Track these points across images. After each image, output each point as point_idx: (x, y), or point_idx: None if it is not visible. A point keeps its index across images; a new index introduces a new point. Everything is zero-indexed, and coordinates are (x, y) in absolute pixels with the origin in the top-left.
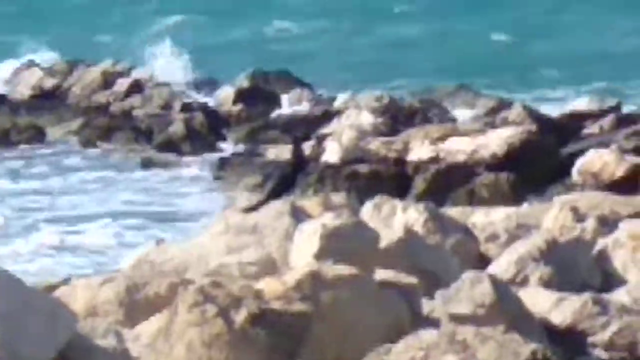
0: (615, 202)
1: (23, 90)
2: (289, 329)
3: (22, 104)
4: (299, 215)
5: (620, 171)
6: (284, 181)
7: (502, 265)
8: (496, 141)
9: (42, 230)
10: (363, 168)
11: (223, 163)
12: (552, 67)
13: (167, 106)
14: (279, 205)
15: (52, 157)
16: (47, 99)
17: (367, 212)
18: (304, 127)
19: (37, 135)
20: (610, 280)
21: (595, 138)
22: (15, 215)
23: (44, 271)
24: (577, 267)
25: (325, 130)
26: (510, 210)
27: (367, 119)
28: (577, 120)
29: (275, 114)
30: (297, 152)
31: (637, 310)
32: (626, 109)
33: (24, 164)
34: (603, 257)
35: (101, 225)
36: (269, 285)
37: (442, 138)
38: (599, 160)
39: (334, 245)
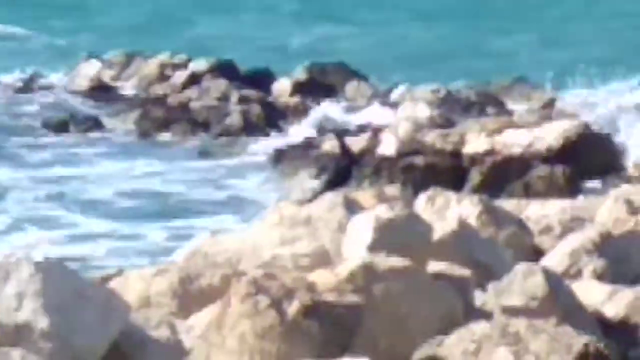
0: None
1: (81, 83)
2: (342, 321)
3: (80, 95)
4: (352, 208)
5: None
6: (339, 173)
7: (556, 258)
8: (552, 134)
9: None
10: (419, 160)
11: (279, 154)
12: None
13: (224, 98)
14: (333, 197)
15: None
16: (105, 92)
17: (421, 204)
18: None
19: (95, 127)
20: None
21: None
22: None
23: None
24: (631, 260)
25: (382, 122)
26: (565, 203)
27: (423, 111)
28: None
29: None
30: (342, 146)
31: None
32: None
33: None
34: None
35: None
36: (321, 277)
37: (498, 130)
38: None
39: (387, 237)
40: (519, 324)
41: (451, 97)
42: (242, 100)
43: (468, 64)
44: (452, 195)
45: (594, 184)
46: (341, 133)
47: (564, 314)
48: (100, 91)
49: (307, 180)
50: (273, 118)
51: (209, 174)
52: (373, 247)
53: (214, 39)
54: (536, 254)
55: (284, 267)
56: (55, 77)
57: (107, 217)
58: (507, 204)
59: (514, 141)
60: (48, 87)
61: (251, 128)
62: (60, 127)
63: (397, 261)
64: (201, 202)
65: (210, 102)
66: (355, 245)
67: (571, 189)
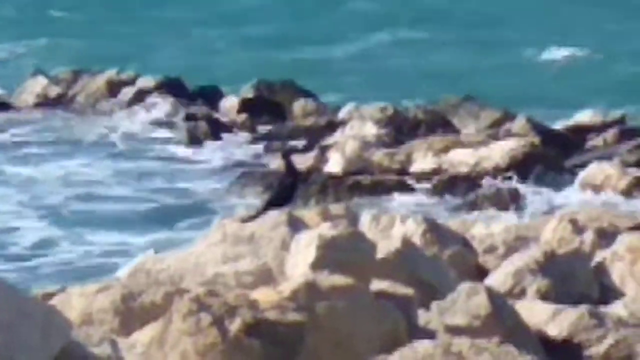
0: (615, 215)
1: (28, 99)
2: (284, 339)
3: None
4: (297, 226)
5: (622, 184)
6: (283, 192)
7: (500, 277)
8: (499, 153)
9: None
10: (365, 179)
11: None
12: None
13: (171, 115)
14: (276, 215)
15: None
16: (52, 107)
17: (366, 222)
18: (307, 138)
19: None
20: (607, 293)
21: (598, 151)
22: None
23: None
24: (575, 279)
25: (329, 140)
26: (510, 222)
27: (370, 130)
28: (580, 133)
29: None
30: (288, 165)
31: (634, 323)
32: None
33: None
34: (601, 270)
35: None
36: (264, 295)
37: (445, 150)
38: (601, 173)
39: (330, 255)
40: (462, 343)
41: (399, 115)
42: (189, 117)
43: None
44: (396, 214)
45: (539, 203)
46: (288, 151)
47: (507, 333)
48: (47, 107)
49: (253, 198)
50: (220, 135)
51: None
52: (316, 265)
53: None
54: (480, 273)
55: (227, 284)
56: None
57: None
58: (452, 223)
59: (461, 160)
60: None
61: (198, 145)
62: None
63: (340, 279)
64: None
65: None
66: (299, 263)
67: (516, 207)
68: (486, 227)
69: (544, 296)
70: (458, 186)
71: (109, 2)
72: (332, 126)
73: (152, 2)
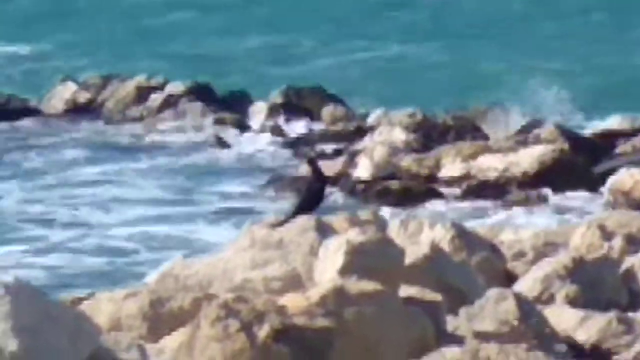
0: None
1: (57, 105)
2: (312, 345)
3: (56, 117)
4: (325, 231)
5: None
6: (312, 197)
7: (528, 283)
8: (528, 159)
9: None
10: (394, 184)
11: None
12: None
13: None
14: (305, 221)
15: None
16: (81, 113)
17: (394, 228)
18: (336, 143)
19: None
20: (636, 299)
21: (627, 157)
22: None
23: None
24: (604, 285)
25: (357, 146)
26: (539, 228)
27: (399, 136)
28: (609, 138)
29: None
30: (315, 170)
31: None
32: None
33: None
34: (630, 276)
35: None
36: (292, 301)
37: (474, 155)
38: (630, 179)
39: (358, 261)
40: (491, 349)
41: (427, 121)
42: (218, 122)
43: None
44: (425, 219)
45: (568, 208)
46: (313, 156)
47: (536, 339)
48: (76, 113)
49: (281, 203)
50: (248, 140)
51: None
52: (344, 271)
53: None
54: (509, 279)
55: (255, 290)
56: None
57: None
58: (480, 229)
59: (490, 166)
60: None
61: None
62: None
63: (368, 285)
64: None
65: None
66: (327, 269)
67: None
68: (515, 233)
69: (573, 302)
70: (487, 192)
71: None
72: (361, 132)
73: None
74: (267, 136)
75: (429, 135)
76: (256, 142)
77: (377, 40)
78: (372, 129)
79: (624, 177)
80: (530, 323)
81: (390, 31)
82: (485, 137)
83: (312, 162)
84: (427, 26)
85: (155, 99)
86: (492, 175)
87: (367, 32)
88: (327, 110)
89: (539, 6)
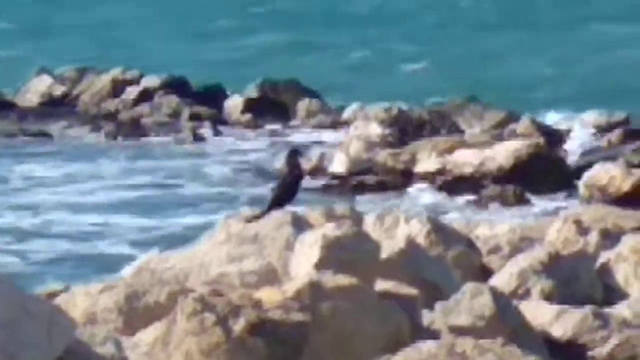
0: (619, 216)
1: (32, 98)
2: (288, 339)
3: (31, 111)
4: (301, 226)
5: (626, 185)
6: (286, 191)
7: (504, 278)
8: (503, 154)
9: None
10: (370, 179)
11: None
12: None
13: (175, 114)
14: (280, 215)
15: None
16: (56, 106)
17: (370, 223)
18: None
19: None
20: (612, 294)
21: (603, 152)
22: None
23: None
24: (579, 280)
25: (333, 140)
26: (514, 223)
27: (375, 130)
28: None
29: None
30: (294, 164)
31: (638, 324)
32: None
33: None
34: (605, 271)
35: None
36: (268, 295)
37: (450, 150)
38: (606, 174)
39: (334, 255)
40: (466, 344)
41: (403, 116)
42: (194, 116)
43: None
44: (400, 214)
45: (544, 203)
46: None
47: (511, 334)
48: (52, 106)
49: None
50: (224, 134)
51: None
52: (320, 265)
53: None
54: (484, 273)
55: (231, 284)
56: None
57: None
58: (456, 223)
59: (465, 161)
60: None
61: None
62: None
63: (344, 280)
64: None
65: (162, 119)
66: (303, 263)
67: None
68: (491, 228)
69: (548, 297)
70: (462, 186)
71: None
72: (337, 126)
73: None
74: (242, 130)
75: (404, 130)
76: (232, 135)
77: None
78: (347, 123)
79: (600, 172)
80: (506, 318)
81: None
82: (461, 132)
83: (292, 155)
84: None
85: (131, 92)
86: (467, 170)
87: None
88: (303, 104)
89: None
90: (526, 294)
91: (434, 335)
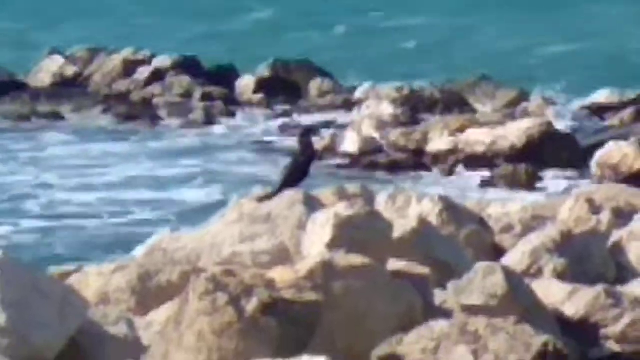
0: (632, 195)
1: (44, 78)
2: (300, 319)
3: (43, 91)
4: (313, 205)
5: (638, 164)
6: (298, 171)
7: (516, 257)
8: (515, 132)
9: None
10: (381, 158)
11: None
12: None
13: (187, 94)
14: (293, 195)
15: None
16: (68, 87)
17: (382, 202)
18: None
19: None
20: (624, 272)
21: (615, 130)
22: None
23: None
24: (592, 259)
25: (345, 120)
26: (526, 201)
27: (387, 110)
28: (597, 112)
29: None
30: (307, 144)
31: None
32: None
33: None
34: (618, 249)
35: None
36: (280, 274)
37: (462, 129)
38: (618, 152)
39: (346, 234)
40: (479, 323)
41: (415, 95)
42: (206, 96)
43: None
44: (412, 193)
45: (556, 182)
46: (307, 130)
47: (524, 312)
48: (63, 87)
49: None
50: (236, 114)
51: None
52: (332, 245)
53: None
54: (497, 252)
55: (243, 264)
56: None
57: None
58: (468, 202)
59: (477, 139)
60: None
61: (213, 124)
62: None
63: (356, 259)
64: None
65: (174, 99)
66: (315, 243)
67: (533, 187)
68: (502, 207)
69: (561, 276)
70: (475, 165)
71: None
72: (349, 105)
73: None
74: (254, 109)
75: (416, 109)
76: (244, 115)
77: None
78: (359, 102)
79: (612, 151)
80: (518, 297)
81: None
82: (473, 111)
83: (304, 135)
84: None
85: (142, 72)
86: (479, 149)
87: None
88: (315, 84)
89: None
90: (538, 273)
91: (446, 314)
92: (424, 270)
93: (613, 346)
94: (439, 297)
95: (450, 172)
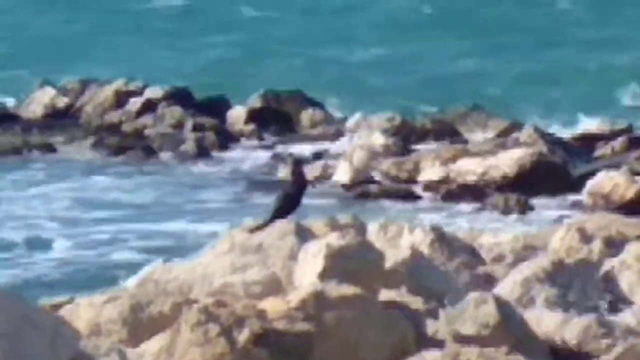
0: (623, 224)
1: (36, 110)
2: (292, 349)
3: (35, 123)
4: (305, 236)
5: (630, 193)
6: (289, 201)
7: (508, 286)
8: (507, 162)
9: None
10: (373, 188)
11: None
12: None
13: (178, 125)
14: (284, 225)
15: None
16: (60, 118)
17: (374, 232)
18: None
19: (49, 154)
20: (616, 302)
21: (606, 160)
22: None
23: None
24: (584, 288)
25: (336, 150)
26: (518, 231)
27: (378, 140)
28: (588, 141)
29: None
30: (299, 174)
31: None
32: None
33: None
34: (609, 279)
35: None
36: (272, 305)
37: (453, 159)
38: (610, 181)
39: (338, 265)
40: (471, 353)
41: (406, 125)
42: (197, 127)
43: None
44: (404, 223)
45: (547, 212)
46: (298, 160)
47: (516, 342)
48: (55, 118)
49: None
50: (228, 146)
51: None
52: (324, 275)
53: None
54: (488, 282)
55: (235, 294)
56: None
57: None
58: (460, 232)
59: (469, 169)
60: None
61: (205, 155)
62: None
63: (348, 289)
64: None
65: (165, 130)
66: (307, 273)
67: (525, 216)
68: (494, 236)
69: (552, 305)
70: (466, 195)
71: None
72: (340, 136)
73: None
74: (246, 140)
75: (408, 139)
76: (236, 146)
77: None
78: (351, 132)
79: (603, 180)
80: (510, 326)
81: None
82: (464, 141)
83: (296, 164)
84: None
85: (134, 103)
86: (471, 178)
87: None
88: (306, 115)
89: None
90: (530, 303)
91: (438, 344)
92: (415, 300)
93: None
94: (431, 326)
95: (442, 202)
